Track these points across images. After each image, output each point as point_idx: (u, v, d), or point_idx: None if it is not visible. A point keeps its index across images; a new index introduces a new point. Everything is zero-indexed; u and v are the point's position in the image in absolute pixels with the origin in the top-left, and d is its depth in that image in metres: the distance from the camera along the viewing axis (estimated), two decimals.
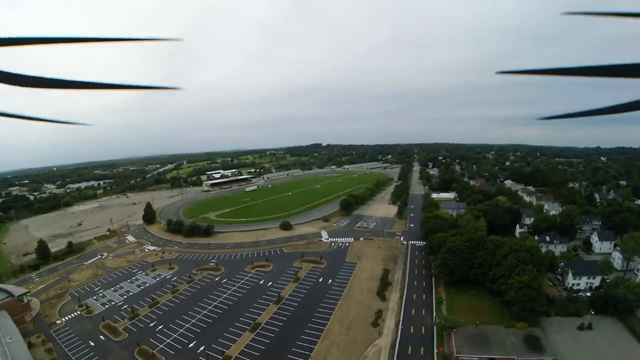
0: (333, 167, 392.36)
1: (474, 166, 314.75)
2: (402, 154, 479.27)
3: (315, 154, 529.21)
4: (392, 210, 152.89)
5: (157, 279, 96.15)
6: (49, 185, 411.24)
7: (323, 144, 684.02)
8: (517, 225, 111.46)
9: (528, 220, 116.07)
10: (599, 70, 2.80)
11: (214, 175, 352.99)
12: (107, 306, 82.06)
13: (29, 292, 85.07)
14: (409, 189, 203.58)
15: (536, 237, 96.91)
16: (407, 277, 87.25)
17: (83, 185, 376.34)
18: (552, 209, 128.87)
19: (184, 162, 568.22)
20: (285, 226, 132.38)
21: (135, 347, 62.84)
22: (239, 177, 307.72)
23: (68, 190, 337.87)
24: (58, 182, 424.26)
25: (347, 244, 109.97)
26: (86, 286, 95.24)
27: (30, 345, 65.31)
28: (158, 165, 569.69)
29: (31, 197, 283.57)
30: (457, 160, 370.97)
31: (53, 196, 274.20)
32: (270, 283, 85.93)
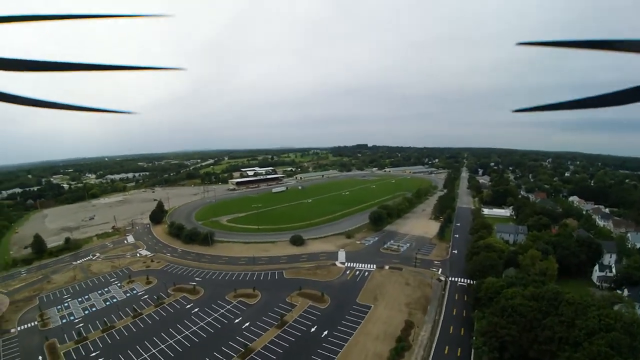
0: (374, 169, 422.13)
1: (530, 175, 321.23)
2: (450, 158, 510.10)
3: (359, 155, 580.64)
4: (433, 228, 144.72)
5: (128, 295, 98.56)
6: (89, 175, 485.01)
7: (369, 145, 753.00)
8: (597, 267, 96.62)
9: (609, 259, 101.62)
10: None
11: (247, 172, 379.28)
12: (64, 320, 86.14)
13: None
14: (456, 201, 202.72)
15: (626, 292, 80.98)
16: (436, 339, 70.55)
17: (118, 177, 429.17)
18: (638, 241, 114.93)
19: (225, 158, 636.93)
20: (296, 241, 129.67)
21: None
22: (268, 177, 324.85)
23: (102, 181, 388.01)
24: (99, 172, 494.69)
25: (366, 273, 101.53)
26: (58, 291, 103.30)
27: None
28: (199, 160, 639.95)
29: (65, 187, 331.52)
30: (510, 168, 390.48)
31: (82, 187, 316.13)
32: (247, 324, 78.64)
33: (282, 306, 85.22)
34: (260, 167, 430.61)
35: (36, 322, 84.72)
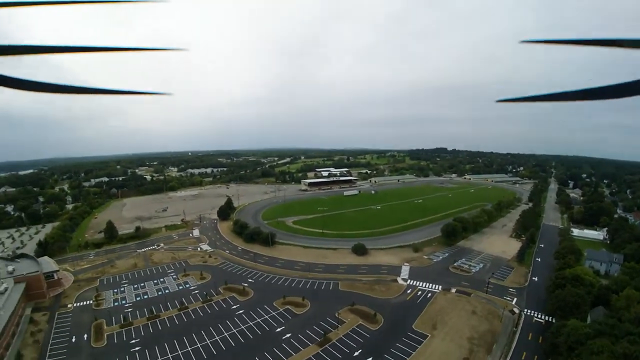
0: (452, 175, 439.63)
1: (628, 191, 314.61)
2: (536, 166, 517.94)
3: (438, 159, 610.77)
4: (512, 247, 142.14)
5: (180, 288, 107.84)
6: (172, 168, 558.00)
7: (448, 149, 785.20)
8: None
9: None
10: None
11: (321, 173, 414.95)
12: (116, 304, 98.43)
13: (59, 270, 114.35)
14: (541, 217, 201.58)
15: None
16: None
17: (197, 171, 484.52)
18: None
19: (302, 157, 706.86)
20: (358, 250, 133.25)
21: None
22: (341, 179, 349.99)
23: (182, 175, 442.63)
24: (181, 166, 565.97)
25: (428, 294, 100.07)
26: (118, 276, 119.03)
27: (31, 321, 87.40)
28: (276, 158, 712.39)
29: (148, 178, 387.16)
30: (605, 181, 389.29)
31: (163, 179, 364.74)
32: (288, 335, 79.06)
33: (329, 321, 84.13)
34: (335, 168, 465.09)
35: (91, 302, 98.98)
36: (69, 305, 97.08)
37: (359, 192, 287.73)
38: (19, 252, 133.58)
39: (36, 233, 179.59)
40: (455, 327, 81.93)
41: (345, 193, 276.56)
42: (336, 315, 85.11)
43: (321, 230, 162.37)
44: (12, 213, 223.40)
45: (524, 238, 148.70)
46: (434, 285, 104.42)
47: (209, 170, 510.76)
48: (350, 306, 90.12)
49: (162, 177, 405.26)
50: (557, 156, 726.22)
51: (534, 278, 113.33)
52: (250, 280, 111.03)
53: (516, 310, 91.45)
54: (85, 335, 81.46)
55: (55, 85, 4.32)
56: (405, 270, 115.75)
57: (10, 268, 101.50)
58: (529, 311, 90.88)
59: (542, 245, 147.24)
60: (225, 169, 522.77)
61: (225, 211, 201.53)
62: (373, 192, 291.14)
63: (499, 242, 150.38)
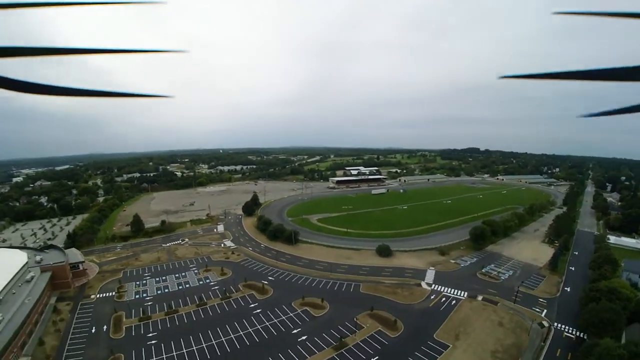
0: (484, 176, 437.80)
1: None
2: (572, 167, 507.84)
3: (470, 159, 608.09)
4: (544, 254, 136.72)
5: (201, 283, 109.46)
6: (202, 165, 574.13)
7: (480, 149, 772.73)
8: None
9: None
10: None
11: (351, 171, 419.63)
12: (137, 296, 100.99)
13: (84, 261, 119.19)
14: (576, 222, 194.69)
15: None
16: None
17: (227, 168, 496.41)
18: None
19: (332, 156, 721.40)
20: (382, 251, 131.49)
21: (111, 354, 72.17)
22: (370, 177, 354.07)
23: (212, 172, 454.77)
24: (212, 163, 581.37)
25: (453, 301, 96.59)
26: (141, 269, 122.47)
27: (54, 309, 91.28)
28: (306, 157, 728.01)
29: (178, 174, 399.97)
30: None
31: (192, 175, 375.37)
32: (304, 337, 77.82)
33: (347, 325, 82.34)
34: (365, 167, 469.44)
35: (113, 293, 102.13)
36: (92, 296, 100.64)
37: (387, 191, 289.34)
38: (49, 242, 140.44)
39: (67, 224, 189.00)
40: (478, 339, 78.36)
41: (373, 192, 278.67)
42: (355, 319, 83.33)
43: (346, 230, 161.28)
44: (46, 205, 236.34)
45: (557, 244, 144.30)
46: (459, 292, 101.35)
47: (238, 167, 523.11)
48: (369, 311, 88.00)
49: (192, 174, 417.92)
50: (594, 158, 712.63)
51: (566, 288, 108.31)
52: (270, 278, 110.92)
53: (545, 324, 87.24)
54: (105, 327, 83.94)
55: (57, 88, 4.32)
56: (430, 275, 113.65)
57: (38, 258, 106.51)
58: (559, 325, 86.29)
59: (577, 253, 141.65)
60: (254, 166, 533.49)
61: (251, 207, 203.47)
62: (401, 191, 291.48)
63: (530, 248, 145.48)
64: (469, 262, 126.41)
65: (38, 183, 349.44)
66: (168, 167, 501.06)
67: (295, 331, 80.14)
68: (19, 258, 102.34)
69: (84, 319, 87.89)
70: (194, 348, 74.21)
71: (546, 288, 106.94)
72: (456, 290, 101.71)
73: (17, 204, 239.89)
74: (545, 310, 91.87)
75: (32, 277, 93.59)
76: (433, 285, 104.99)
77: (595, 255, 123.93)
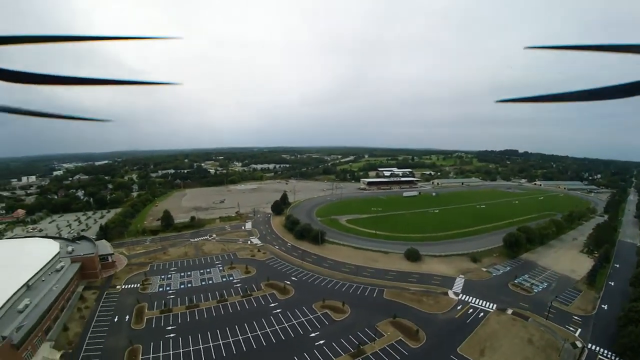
0: (522, 181, 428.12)
1: None
2: (615, 174, 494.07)
3: (508, 162, 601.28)
4: (582, 265, 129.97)
5: (224, 280, 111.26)
6: (236, 163, 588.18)
7: (519, 151, 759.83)
8: None
9: None
10: None
11: (383, 172, 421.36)
12: (161, 289, 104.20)
13: (113, 253, 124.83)
14: (618, 232, 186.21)
15: None
16: None
17: (260, 166, 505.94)
18: None
19: (366, 156, 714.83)
20: (411, 255, 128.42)
21: (130, 344, 74.63)
22: (402, 179, 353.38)
23: (245, 170, 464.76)
24: (245, 161, 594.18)
25: (481, 314, 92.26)
26: (168, 263, 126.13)
27: (81, 297, 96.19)
28: (339, 156, 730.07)
29: (212, 172, 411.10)
30: None
31: (225, 173, 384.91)
32: (322, 342, 76.54)
33: (367, 332, 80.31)
34: (398, 168, 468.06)
35: (138, 285, 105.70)
36: (118, 287, 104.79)
37: (419, 193, 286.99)
38: (82, 234, 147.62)
39: (101, 217, 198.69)
40: (505, 356, 73.81)
41: (405, 194, 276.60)
42: (376, 326, 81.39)
43: (374, 231, 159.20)
44: (82, 198, 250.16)
45: (596, 255, 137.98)
46: (488, 304, 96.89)
47: (271, 166, 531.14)
48: (392, 318, 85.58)
49: (224, 171, 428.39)
50: (639, 163, 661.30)
51: (603, 306, 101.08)
52: (293, 278, 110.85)
53: (579, 344, 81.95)
54: (127, 317, 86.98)
55: (58, 77, 4.39)
56: (459, 283, 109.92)
57: (69, 248, 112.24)
58: (593, 346, 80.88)
59: (617, 266, 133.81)
60: (287, 165, 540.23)
61: (280, 206, 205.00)
62: (434, 194, 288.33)
63: (567, 258, 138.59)
64: (501, 271, 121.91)
65: (76, 177, 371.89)
66: (202, 165, 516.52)
67: (313, 334, 79.23)
68: (52, 248, 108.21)
69: (108, 308, 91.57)
70: (211, 344, 75.06)
71: (582, 304, 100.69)
72: (485, 302, 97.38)
73: (56, 197, 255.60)
74: (579, 330, 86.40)
75: (62, 267, 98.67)
76: (461, 295, 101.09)
77: (638, 270, 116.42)
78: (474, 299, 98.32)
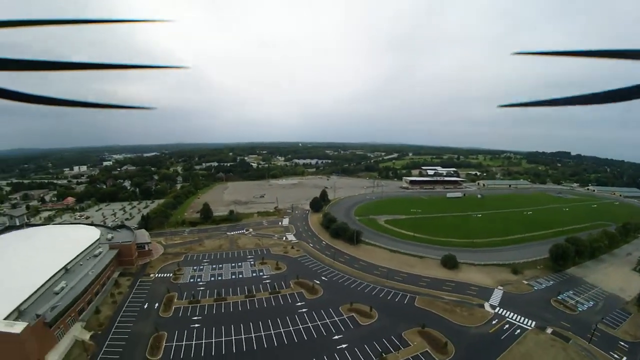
0: (573, 185, 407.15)
1: None
2: None
3: (559, 164, 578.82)
4: (635, 284, 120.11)
5: (254, 275, 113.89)
6: (279, 157, 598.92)
7: (571, 153, 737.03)
8: None
9: None
10: None
11: (427, 171, 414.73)
12: (191, 280, 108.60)
13: (151, 242, 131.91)
14: None
15: None
16: None
17: (302, 161, 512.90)
18: None
19: (410, 154, 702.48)
20: (448, 262, 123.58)
21: (155, 331, 78.65)
22: (446, 179, 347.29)
23: (287, 164, 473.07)
24: (288, 156, 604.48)
25: (517, 331, 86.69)
26: (202, 255, 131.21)
27: (115, 283, 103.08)
28: (383, 153, 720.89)
29: (254, 166, 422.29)
30: None
31: (266, 167, 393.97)
32: (345, 346, 75.57)
33: (392, 340, 78.01)
34: (443, 167, 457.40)
35: (171, 275, 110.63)
36: (151, 275, 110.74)
37: (464, 195, 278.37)
38: (125, 222, 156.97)
39: (145, 207, 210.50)
40: None
41: (448, 195, 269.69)
42: (402, 335, 79.12)
43: (412, 234, 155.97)
44: (128, 188, 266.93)
45: None
46: (526, 320, 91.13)
47: (313, 161, 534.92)
48: (420, 328, 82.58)
49: (267, 165, 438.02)
50: None
51: None
52: (323, 278, 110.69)
53: None
54: (157, 305, 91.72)
55: (68, 64, 4.45)
56: (496, 295, 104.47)
57: (109, 236, 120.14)
58: None
59: None
60: (329, 161, 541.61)
61: (318, 203, 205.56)
62: (479, 196, 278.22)
63: (619, 276, 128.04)
64: (544, 285, 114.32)
65: (124, 168, 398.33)
66: (246, 158, 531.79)
67: (336, 337, 78.59)
68: (93, 234, 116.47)
69: (140, 295, 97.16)
70: (233, 337, 77.11)
71: (630, 329, 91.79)
72: (523, 318, 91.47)
73: (104, 186, 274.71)
74: (624, 358, 79.29)
75: (100, 253, 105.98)
76: (498, 309, 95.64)
77: None
78: (512, 313, 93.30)
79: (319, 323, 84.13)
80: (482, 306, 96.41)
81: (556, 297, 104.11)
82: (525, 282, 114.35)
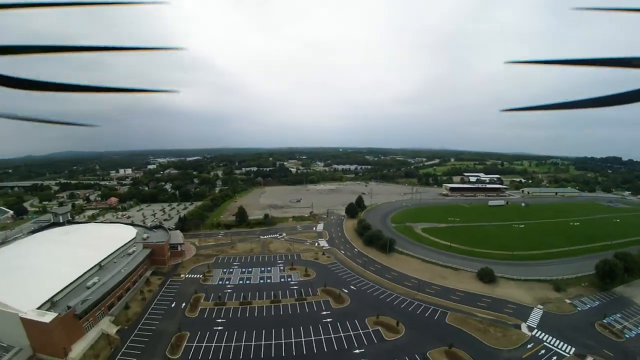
0: (626, 193, 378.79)
1: None
2: None
3: (609, 172, 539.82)
4: None
5: (282, 280, 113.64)
6: (318, 163, 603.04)
7: (623, 159, 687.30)
8: None
9: None
10: None
11: (469, 177, 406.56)
12: (220, 282, 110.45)
13: (183, 243, 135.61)
14: None
15: None
16: None
17: (340, 167, 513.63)
18: None
19: (452, 160, 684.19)
20: (484, 276, 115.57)
21: (178, 330, 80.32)
22: (488, 186, 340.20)
23: (325, 170, 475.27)
24: (328, 161, 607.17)
25: (553, 358, 78.87)
26: (233, 257, 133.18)
27: (146, 281, 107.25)
28: (424, 159, 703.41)
29: (293, 171, 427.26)
30: None
31: (304, 173, 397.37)
32: None
33: (416, 358, 73.61)
34: (486, 174, 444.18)
35: (200, 276, 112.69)
36: (182, 275, 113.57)
37: (507, 203, 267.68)
38: (162, 223, 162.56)
39: (184, 209, 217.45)
40: None
41: (490, 203, 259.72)
42: (426, 354, 74.68)
43: (449, 244, 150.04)
44: (169, 190, 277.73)
45: None
46: (565, 345, 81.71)
47: (352, 166, 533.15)
48: (447, 347, 77.24)
49: (305, 171, 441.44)
50: None
51: None
52: (352, 287, 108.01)
53: None
54: (184, 304, 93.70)
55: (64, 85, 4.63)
56: (535, 315, 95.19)
57: (145, 235, 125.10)
58: None
59: None
60: (369, 166, 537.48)
61: (354, 209, 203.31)
62: (523, 204, 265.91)
63: None
64: (588, 306, 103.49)
65: (167, 171, 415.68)
66: (285, 163, 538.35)
67: (357, 351, 75.57)
68: (129, 233, 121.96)
69: (169, 294, 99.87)
70: (253, 343, 76.60)
71: None
72: (562, 343, 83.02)
73: (146, 188, 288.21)
74: None
75: (134, 251, 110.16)
76: (535, 331, 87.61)
77: None
78: (550, 337, 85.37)
79: (342, 334, 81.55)
80: (519, 327, 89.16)
81: (601, 320, 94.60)
82: (568, 302, 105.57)
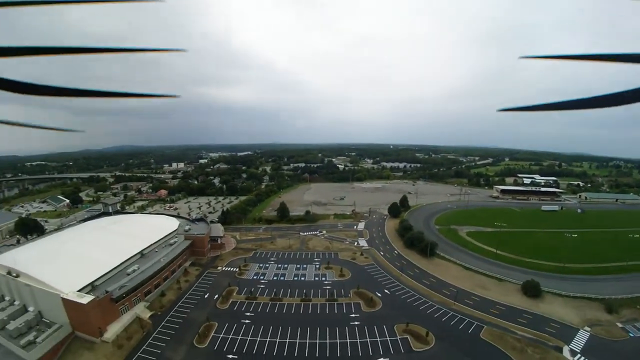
0: None
1: None
2: None
3: None
4: None
5: (316, 279, 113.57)
6: (367, 160, 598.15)
7: None
8: None
9: None
10: None
11: (523, 179, 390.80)
12: (254, 277, 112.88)
13: (223, 236, 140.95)
14: None
15: None
16: None
17: (389, 165, 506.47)
18: None
19: (506, 159, 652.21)
20: (529, 289, 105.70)
21: (207, 320, 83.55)
22: (542, 189, 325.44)
23: (373, 167, 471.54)
24: (377, 158, 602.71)
25: None
26: (270, 253, 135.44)
27: (184, 271, 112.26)
28: (477, 158, 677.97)
29: (340, 167, 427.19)
30: None
31: (352, 170, 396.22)
32: None
33: None
34: (541, 176, 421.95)
35: (236, 269, 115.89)
36: (219, 268, 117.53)
37: (561, 208, 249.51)
38: (209, 216, 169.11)
39: (229, 203, 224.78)
40: None
41: (543, 207, 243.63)
42: None
43: (495, 251, 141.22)
44: (217, 184, 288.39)
45: None
46: None
47: (401, 164, 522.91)
48: None
49: (353, 168, 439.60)
50: None
51: None
52: (386, 291, 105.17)
53: None
54: (216, 296, 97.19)
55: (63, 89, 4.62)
56: (581, 338, 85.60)
57: (187, 227, 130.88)
58: None
59: None
60: (418, 165, 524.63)
61: (397, 208, 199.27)
62: (579, 211, 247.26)
63: None
64: None
65: (217, 165, 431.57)
66: (333, 160, 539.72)
67: (381, 359, 73.53)
68: (171, 225, 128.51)
69: (204, 285, 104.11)
70: (277, 340, 77.42)
71: None
72: None
73: (196, 182, 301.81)
74: None
75: (175, 242, 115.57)
76: (578, 356, 78.79)
77: None
78: None
79: (368, 340, 79.66)
80: (560, 350, 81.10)
81: None
82: (620, 325, 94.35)
